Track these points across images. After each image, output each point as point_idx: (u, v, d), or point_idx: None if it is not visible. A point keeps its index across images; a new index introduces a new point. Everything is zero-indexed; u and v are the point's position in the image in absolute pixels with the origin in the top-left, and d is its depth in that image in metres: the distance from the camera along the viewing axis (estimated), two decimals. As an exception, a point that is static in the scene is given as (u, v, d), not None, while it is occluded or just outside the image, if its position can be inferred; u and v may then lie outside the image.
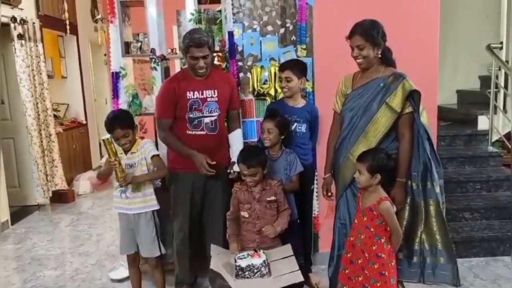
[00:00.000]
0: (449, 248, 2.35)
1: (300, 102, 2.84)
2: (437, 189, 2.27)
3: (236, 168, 2.70)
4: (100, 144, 7.28)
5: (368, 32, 2.29)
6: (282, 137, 2.68)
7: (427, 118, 2.33)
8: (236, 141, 2.85)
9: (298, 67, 2.77)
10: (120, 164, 2.45)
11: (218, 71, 2.85)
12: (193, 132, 2.68)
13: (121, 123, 2.53)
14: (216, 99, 2.70)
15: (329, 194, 2.61)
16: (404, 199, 2.34)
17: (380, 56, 2.34)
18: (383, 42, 2.33)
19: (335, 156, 2.50)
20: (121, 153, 2.56)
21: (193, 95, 2.66)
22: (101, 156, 7.11)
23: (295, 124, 2.77)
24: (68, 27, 5.82)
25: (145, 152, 2.58)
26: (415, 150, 2.31)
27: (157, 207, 2.63)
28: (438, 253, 2.36)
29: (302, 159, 2.74)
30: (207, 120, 2.69)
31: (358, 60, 2.35)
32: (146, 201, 2.60)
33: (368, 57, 2.31)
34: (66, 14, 5.79)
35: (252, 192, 2.50)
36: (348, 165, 2.39)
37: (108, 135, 2.45)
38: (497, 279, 3.08)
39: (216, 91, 2.70)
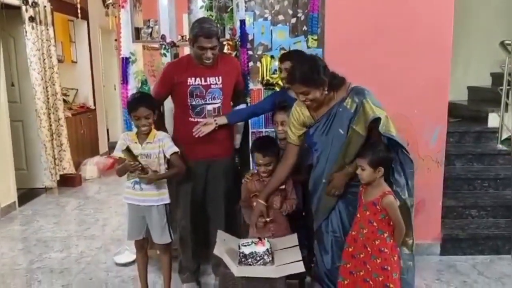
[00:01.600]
0: (412, 249, 2.37)
1: None
2: (405, 195, 2.26)
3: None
4: (107, 130, 7.34)
5: (307, 79, 2.19)
6: None
7: (393, 125, 2.25)
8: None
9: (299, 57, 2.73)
10: (142, 166, 2.45)
11: (224, 57, 2.81)
12: (195, 119, 2.67)
13: (146, 102, 2.52)
14: (221, 86, 2.68)
15: (264, 220, 2.48)
16: (341, 186, 2.29)
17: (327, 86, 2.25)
18: (326, 77, 2.22)
19: (312, 187, 2.44)
20: (136, 142, 2.54)
21: (195, 81, 2.64)
22: (108, 141, 7.17)
23: None
24: (79, 11, 5.82)
25: (164, 146, 2.55)
26: None
27: (168, 201, 2.63)
28: (408, 256, 2.36)
29: None
30: (209, 107, 2.67)
31: (307, 103, 2.27)
32: (160, 194, 2.59)
33: (316, 98, 2.23)
34: (78, -1, 5.80)
35: (264, 181, 2.50)
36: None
37: (124, 146, 2.43)
38: (502, 278, 3.06)
39: (220, 77, 2.67)
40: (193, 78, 2.64)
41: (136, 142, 2.54)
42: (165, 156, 2.57)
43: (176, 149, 2.57)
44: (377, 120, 2.19)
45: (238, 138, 2.97)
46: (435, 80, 3.14)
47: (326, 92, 2.25)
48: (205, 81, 2.66)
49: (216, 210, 2.80)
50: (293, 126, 2.40)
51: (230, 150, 2.87)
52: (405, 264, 2.33)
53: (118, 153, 2.55)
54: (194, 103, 2.66)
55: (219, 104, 2.70)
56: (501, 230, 3.44)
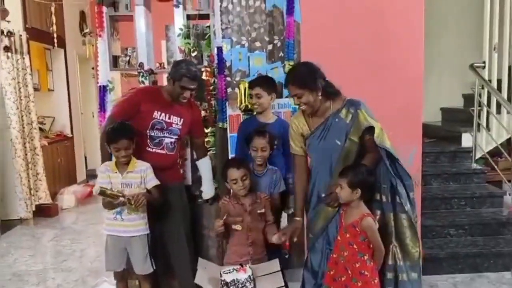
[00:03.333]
0: (418, 261, 2.33)
1: (271, 118, 2.85)
2: (407, 206, 2.24)
3: (205, 195, 2.83)
4: (85, 157, 7.23)
5: (301, 81, 2.27)
6: (271, 152, 2.68)
7: (388, 139, 2.31)
8: (205, 171, 2.93)
9: (267, 84, 2.80)
10: (126, 199, 2.42)
11: (188, 102, 2.82)
12: (154, 150, 2.69)
13: (127, 133, 2.50)
14: (180, 127, 2.75)
15: (295, 239, 2.49)
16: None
17: (323, 94, 2.31)
18: (322, 83, 2.29)
19: (309, 198, 2.46)
20: (116, 172, 2.50)
21: (160, 116, 2.68)
22: (87, 169, 7.06)
23: None
24: (55, 40, 5.81)
25: (146, 177, 2.54)
26: (381, 166, 2.30)
27: (147, 232, 2.59)
28: (412, 268, 2.31)
29: None
30: (167, 140, 2.72)
31: (301, 107, 2.35)
32: (141, 224, 2.56)
33: (309, 103, 2.29)
34: (54, 27, 5.78)
35: (243, 204, 2.49)
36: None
37: (97, 187, 2.39)
38: (482, 296, 3.10)
39: (181, 119, 2.75)
40: (159, 112, 2.68)
41: (116, 172, 2.51)
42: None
43: (157, 181, 2.56)
44: (370, 129, 2.24)
45: (209, 185, 2.96)
46: (409, 102, 3.22)
47: (320, 98, 2.29)
48: (169, 118, 2.70)
49: (174, 233, 2.77)
50: (294, 137, 2.45)
51: (181, 175, 2.96)
52: (408, 276, 2.29)
53: (99, 185, 2.50)
54: (153, 134, 2.68)
55: (175, 139, 2.75)
56: (480, 248, 3.49)
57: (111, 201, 2.45)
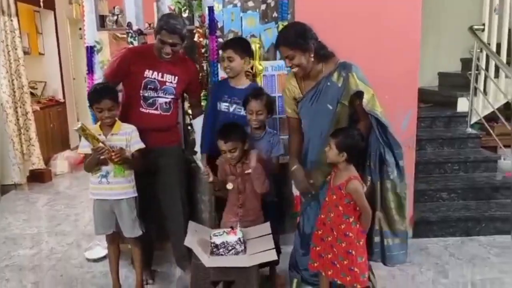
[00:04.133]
0: (404, 228, 2.33)
1: (243, 83, 2.69)
2: (394, 174, 2.23)
3: (198, 157, 2.70)
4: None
5: (292, 41, 2.21)
6: (270, 116, 2.63)
7: (380, 106, 2.26)
8: (200, 128, 2.79)
9: (241, 46, 2.64)
10: (105, 145, 2.36)
11: (182, 59, 2.76)
12: (147, 111, 2.62)
13: (110, 93, 2.44)
14: (175, 85, 2.65)
15: (311, 181, 2.43)
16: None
17: (315, 57, 2.25)
18: (314, 44, 2.24)
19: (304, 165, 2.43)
20: (100, 134, 2.45)
21: (151, 74, 2.60)
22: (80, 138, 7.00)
23: (234, 105, 2.65)
24: (41, 0, 5.60)
25: (131, 140, 2.48)
26: (372, 133, 2.27)
27: (135, 195, 2.56)
28: (396, 234, 2.32)
29: None
30: (161, 100, 2.63)
31: (293, 70, 2.29)
32: (128, 187, 2.52)
33: (302, 64, 2.23)
34: (41, -13, 5.58)
35: (236, 166, 2.47)
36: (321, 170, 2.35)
37: (79, 123, 2.33)
38: (473, 259, 3.12)
39: (176, 77, 2.64)
40: (150, 71, 2.59)
41: (100, 134, 2.46)
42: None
43: (142, 145, 2.51)
44: (360, 95, 2.19)
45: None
46: (405, 66, 3.15)
47: (312, 59, 2.24)
48: (162, 77, 2.61)
49: (171, 197, 2.75)
50: (288, 101, 2.43)
51: (178, 138, 2.88)
52: (393, 241, 2.31)
53: (84, 149, 2.47)
54: (146, 94, 2.61)
55: (170, 99, 2.66)
56: (471, 212, 3.50)
57: (92, 156, 2.40)
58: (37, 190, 5.01)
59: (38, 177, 5.22)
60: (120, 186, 2.50)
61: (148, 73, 2.59)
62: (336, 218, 2.20)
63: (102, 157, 2.39)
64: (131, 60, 2.61)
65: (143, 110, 2.61)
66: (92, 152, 2.41)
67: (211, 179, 2.60)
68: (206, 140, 2.72)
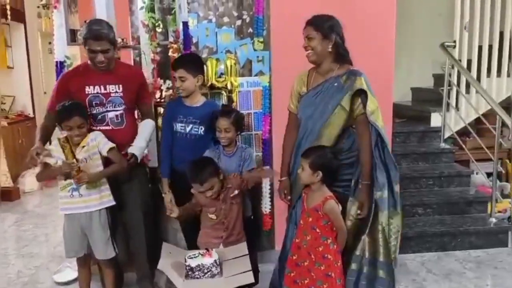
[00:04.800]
0: (390, 262, 2.29)
1: (199, 100, 2.61)
2: (379, 194, 2.22)
3: (132, 150, 2.49)
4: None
5: (319, 24, 2.28)
6: (239, 133, 2.59)
7: (382, 121, 2.27)
8: (144, 129, 2.61)
9: (193, 64, 2.56)
10: (78, 163, 2.28)
11: (125, 66, 2.68)
12: (98, 128, 2.50)
13: (79, 110, 2.36)
14: (121, 94, 2.52)
15: (288, 197, 2.46)
16: (370, 202, 2.25)
17: (333, 52, 2.29)
18: (337, 38, 2.29)
19: (291, 164, 2.42)
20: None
21: (93, 89, 2.48)
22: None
23: (190, 125, 2.57)
24: (9, 12, 5.42)
25: (99, 145, 2.40)
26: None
27: (113, 203, 2.47)
28: (378, 265, 2.29)
29: None
30: (111, 114, 2.51)
31: (306, 52, 2.32)
32: (102, 197, 2.43)
33: (316, 49, 2.27)
34: (7, -1, 5.41)
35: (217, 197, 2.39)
36: None
37: (64, 133, 2.26)
38: (449, 274, 3.13)
39: (120, 86, 2.51)
40: (91, 87, 2.48)
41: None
42: (102, 156, 2.42)
43: (112, 144, 2.42)
44: (363, 97, 2.20)
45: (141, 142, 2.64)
46: (380, 82, 3.13)
47: (329, 51, 2.26)
48: (105, 89, 2.49)
49: (132, 218, 2.65)
50: (294, 95, 2.44)
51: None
52: (375, 272, 2.28)
53: (50, 159, 2.38)
54: (95, 112, 2.50)
55: (121, 111, 2.54)
56: (447, 227, 3.52)
57: (54, 171, 2.37)
58: (3, 209, 4.80)
59: (5, 195, 5.02)
60: (94, 198, 2.41)
61: (89, 89, 2.48)
62: (313, 241, 2.15)
63: (69, 172, 2.31)
64: (68, 82, 2.50)
65: (93, 128, 2.49)
66: (61, 164, 2.32)
67: (175, 215, 2.44)
68: (166, 164, 2.64)
